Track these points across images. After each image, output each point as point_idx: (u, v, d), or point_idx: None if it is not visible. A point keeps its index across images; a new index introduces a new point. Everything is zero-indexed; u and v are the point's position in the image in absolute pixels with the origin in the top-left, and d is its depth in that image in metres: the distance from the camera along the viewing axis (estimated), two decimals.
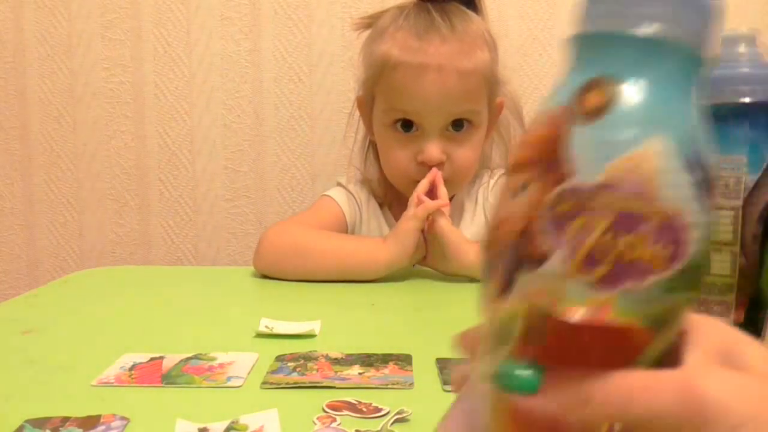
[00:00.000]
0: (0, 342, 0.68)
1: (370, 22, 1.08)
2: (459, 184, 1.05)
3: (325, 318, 0.73)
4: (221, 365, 0.59)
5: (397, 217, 1.05)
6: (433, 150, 0.98)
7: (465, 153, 1.01)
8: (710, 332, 0.29)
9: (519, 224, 0.27)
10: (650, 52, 0.28)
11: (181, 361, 0.60)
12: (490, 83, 1.02)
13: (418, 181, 0.98)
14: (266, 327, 0.69)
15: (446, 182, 0.99)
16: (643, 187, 0.26)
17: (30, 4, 1.29)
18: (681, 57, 0.29)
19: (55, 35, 1.29)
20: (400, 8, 1.03)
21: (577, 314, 0.26)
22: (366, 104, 1.07)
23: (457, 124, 1.00)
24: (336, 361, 0.59)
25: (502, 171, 1.12)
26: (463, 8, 1.02)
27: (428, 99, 0.97)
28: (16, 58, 1.30)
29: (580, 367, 0.27)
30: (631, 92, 0.27)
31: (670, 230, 0.26)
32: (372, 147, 1.12)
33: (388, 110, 1.01)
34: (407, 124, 1.00)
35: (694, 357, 0.27)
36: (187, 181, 1.31)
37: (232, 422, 0.47)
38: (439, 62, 0.96)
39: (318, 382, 0.55)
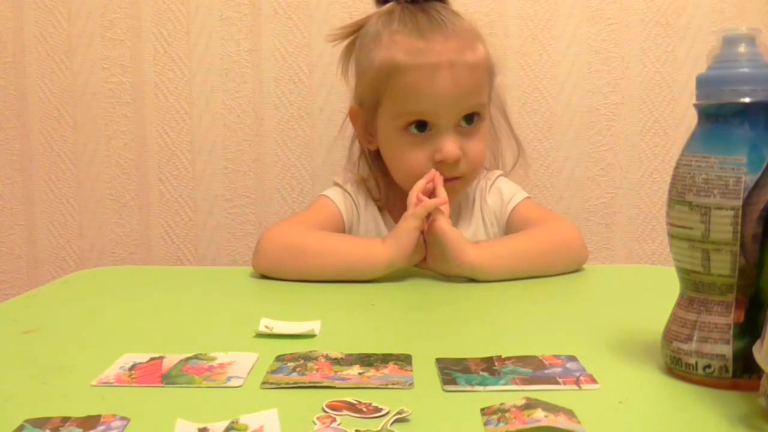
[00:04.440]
0: (0, 342, 0.68)
1: (350, 31, 1.07)
2: (472, 179, 1.06)
3: (325, 318, 0.73)
4: (221, 365, 0.59)
5: (395, 219, 1.05)
6: (451, 147, 0.98)
7: (477, 146, 1.02)
8: None
9: None
10: None
11: (181, 361, 0.60)
12: (490, 74, 1.03)
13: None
14: (266, 327, 0.69)
15: (462, 178, 1.00)
16: None
17: (30, 4, 1.29)
18: None
19: (55, 35, 1.29)
20: (387, 13, 1.03)
21: None
22: (364, 114, 1.05)
23: (468, 118, 1.00)
24: (336, 361, 0.59)
25: (498, 173, 1.12)
26: (444, 5, 1.03)
27: (443, 96, 0.97)
28: (16, 58, 1.30)
29: None
30: None
31: None
32: (364, 155, 1.12)
33: (401, 114, 1.00)
34: (421, 125, 0.99)
35: None
36: (187, 181, 1.31)
37: (232, 422, 0.47)
38: (450, 59, 0.97)
39: (318, 382, 0.55)
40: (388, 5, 1.04)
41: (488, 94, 1.04)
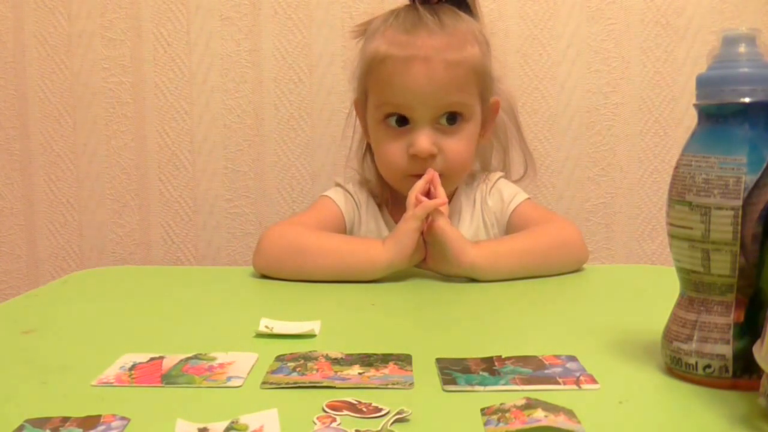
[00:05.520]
0: (0, 342, 0.68)
1: (365, 27, 1.08)
2: (453, 179, 1.05)
3: (325, 318, 0.73)
4: (221, 365, 0.59)
5: (394, 218, 1.06)
6: (423, 141, 0.98)
7: (457, 145, 1.01)
8: None
9: None
10: None
11: (181, 361, 0.60)
12: (481, 77, 1.02)
13: (411, 176, 0.98)
14: (266, 327, 0.69)
15: (440, 176, 0.99)
16: None
17: (30, 4, 1.29)
18: None
19: (55, 35, 1.29)
20: (392, 11, 1.05)
21: None
22: (361, 105, 1.08)
23: (450, 118, 1.00)
24: (336, 361, 0.59)
25: (499, 174, 1.12)
26: (455, 9, 1.03)
27: (416, 90, 0.97)
28: (16, 58, 1.30)
29: None
30: None
31: None
32: (369, 149, 1.13)
33: (380, 105, 1.01)
34: (401, 120, 1.00)
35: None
36: (187, 181, 1.31)
37: (232, 422, 0.47)
38: (426, 54, 0.97)
39: (318, 382, 0.55)
40: (399, 5, 1.05)
41: (478, 98, 1.03)
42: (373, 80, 1.02)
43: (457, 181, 1.07)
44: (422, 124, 0.99)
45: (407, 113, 1.00)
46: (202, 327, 0.73)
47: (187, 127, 1.30)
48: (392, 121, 1.01)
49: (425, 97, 0.98)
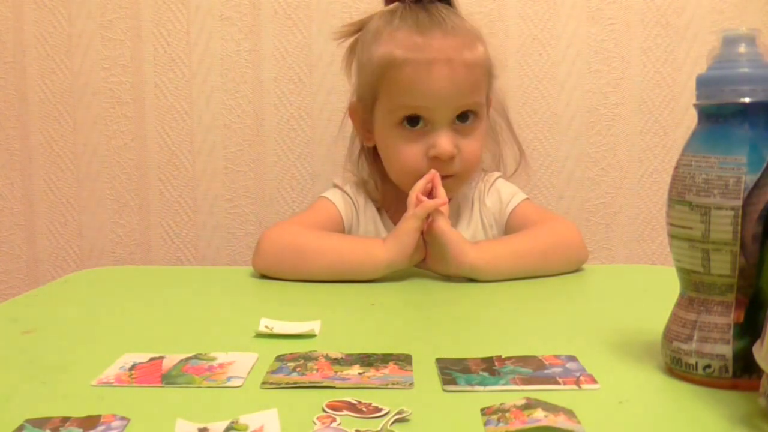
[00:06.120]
0: (0, 342, 0.68)
1: (355, 29, 1.08)
2: (467, 178, 1.05)
3: (325, 318, 0.73)
4: (221, 365, 0.59)
5: (394, 220, 1.05)
6: (446, 143, 0.98)
7: (472, 145, 1.01)
8: None
9: None
10: None
11: (181, 361, 0.60)
12: (488, 75, 1.03)
13: None
14: (266, 327, 0.69)
15: (456, 176, 1.00)
16: None
17: (30, 4, 1.29)
18: None
19: (55, 35, 1.29)
20: (390, 11, 1.03)
21: None
22: (363, 110, 1.06)
23: (463, 117, 1.00)
24: (336, 361, 0.59)
25: (497, 174, 1.12)
26: (449, 7, 1.03)
27: (439, 92, 0.97)
28: (16, 58, 1.30)
29: None
30: None
31: None
32: (364, 152, 1.12)
33: (395, 109, 1.00)
34: (413, 120, 1.00)
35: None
36: (187, 181, 1.31)
37: (232, 422, 0.47)
38: (447, 55, 0.97)
39: (318, 382, 0.55)
40: (392, 5, 1.05)
41: (486, 95, 1.04)
42: (386, 85, 1.00)
43: (469, 180, 1.07)
44: (441, 125, 0.99)
45: (425, 115, 0.99)
46: (202, 327, 0.73)
47: (187, 127, 1.30)
48: (407, 123, 1.00)
49: (448, 99, 0.98)
